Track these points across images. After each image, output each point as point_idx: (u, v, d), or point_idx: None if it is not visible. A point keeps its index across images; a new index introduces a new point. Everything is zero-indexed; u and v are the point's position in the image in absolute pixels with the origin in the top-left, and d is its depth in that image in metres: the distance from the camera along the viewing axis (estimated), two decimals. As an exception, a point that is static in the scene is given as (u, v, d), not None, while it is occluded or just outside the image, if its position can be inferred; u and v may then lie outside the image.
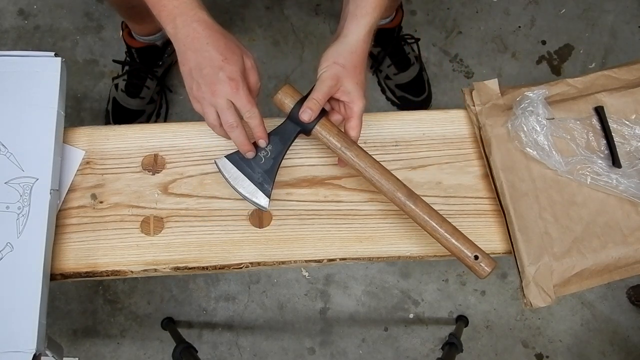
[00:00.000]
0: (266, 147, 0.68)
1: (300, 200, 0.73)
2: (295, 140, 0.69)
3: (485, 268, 0.64)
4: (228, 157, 0.68)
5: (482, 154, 0.75)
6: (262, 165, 0.68)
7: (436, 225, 0.65)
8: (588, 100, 0.76)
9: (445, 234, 0.65)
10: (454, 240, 0.65)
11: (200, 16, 0.63)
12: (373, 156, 0.68)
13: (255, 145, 0.67)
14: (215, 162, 0.69)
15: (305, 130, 0.67)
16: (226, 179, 0.68)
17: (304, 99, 0.66)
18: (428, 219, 0.65)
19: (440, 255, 0.71)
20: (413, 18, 1.51)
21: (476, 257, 0.64)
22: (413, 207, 0.66)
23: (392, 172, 0.68)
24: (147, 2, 0.64)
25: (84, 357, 1.33)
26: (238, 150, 0.67)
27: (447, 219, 0.72)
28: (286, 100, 0.67)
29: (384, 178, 0.66)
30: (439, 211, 0.70)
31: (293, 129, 0.68)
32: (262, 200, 0.67)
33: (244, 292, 1.38)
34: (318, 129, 0.67)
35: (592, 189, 0.73)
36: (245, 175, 0.67)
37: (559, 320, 1.41)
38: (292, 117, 0.67)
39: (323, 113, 0.67)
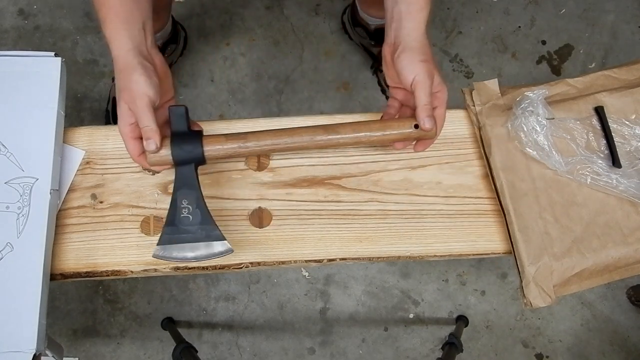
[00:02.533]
0: (183, 204, 0.63)
1: (300, 200, 0.73)
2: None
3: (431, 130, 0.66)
4: (159, 244, 0.63)
5: (482, 154, 0.75)
6: (192, 221, 0.63)
7: (368, 134, 0.66)
8: (588, 100, 0.76)
9: (380, 133, 0.66)
10: (391, 131, 0.65)
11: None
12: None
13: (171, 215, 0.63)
14: (155, 256, 0.63)
15: (199, 160, 0.64)
16: (177, 260, 0.63)
17: (176, 136, 0.63)
18: (357, 135, 0.66)
19: (440, 255, 0.71)
20: (413, 18, 1.51)
21: (416, 126, 0.65)
22: (338, 136, 0.65)
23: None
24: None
25: (84, 357, 1.33)
26: (161, 233, 0.63)
27: (447, 219, 0.73)
28: (159, 154, 0.63)
29: (296, 136, 0.65)
30: (439, 211, 0.70)
31: (188, 169, 0.64)
32: (221, 247, 0.63)
33: (244, 292, 1.38)
34: (208, 148, 0.64)
35: (592, 189, 0.73)
36: (187, 242, 0.63)
37: (559, 320, 1.41)
38: (178, 159, 0.63)
39: (199, 134, 0.65)
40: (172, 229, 0.63)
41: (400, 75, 0.66)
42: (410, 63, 0.65)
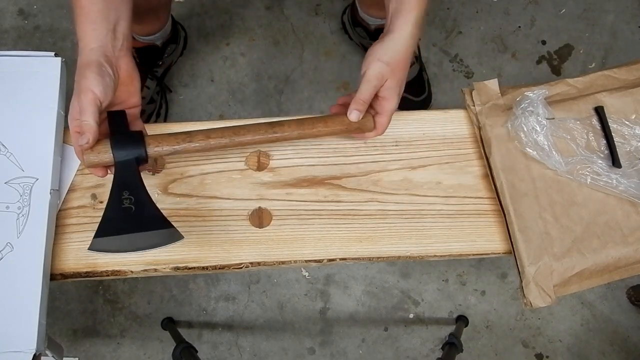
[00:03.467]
0: (124, 195, 0.61)
1: (300, 200, 0.73)
2: (295, 141, 0.69)
3: (367, 122, 0.69)
4: (95, 237, 0.59)
5: (482, 154, 0.75)
6: (135, 211, 0.60)
7: (312, 131, 0.68)
8: (588, 100, 0.76)
9: (324, 128, 0.68)
10: (333, 127, 0.68)
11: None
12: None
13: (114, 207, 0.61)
14: (93, 249, 0.59)
15: (141, 158, 0.63)
16: (116, 252, 0.60)
17: (117, 135, 0.62)
18: (301, 131, 0.67)
19: (440, 255, 0.71)
20: (413, 18, 1.51)
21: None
22: (281, 133, 0.67)
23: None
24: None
25: (84, 357, 1.33)
26: (97, 229, 0.60)
27: (447, 219, 0.73)
28: (99, 153, 0.61)
29: (242, 132, 0.66)
30: (439, 211, 0.70)
31: (129, 166, 0.62)
32: (168, 235, 0.61)
33: (244, 292, 1.38)
34: (151, 146, 0.63)
35: (592, 189, 0.73)
36: (132, 233, 0.60)
37: (559, 320, 1.41)
38: (119, 156, 0.62)
39: (140, 133, 0.64)
40: (110, 221, 0.60)
41: (362, 64, 0.67)
42: (369, 56, 0.66)
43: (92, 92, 0.60)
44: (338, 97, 0.73)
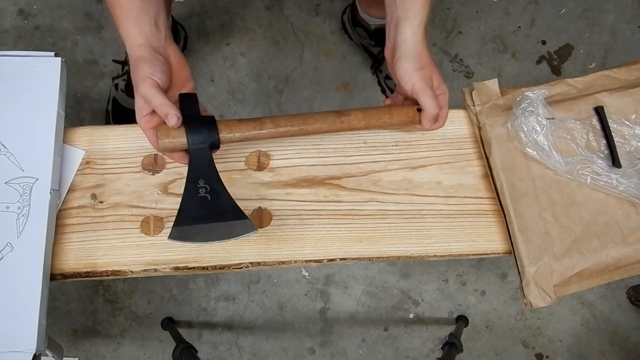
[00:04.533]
0: (200, 184, 0.60)
1: (300, 200, 0.73)
2: (296, 140, 0.69)
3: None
4: (175, 225, 0.58)
5: (482, 154, 0.75)
6: (211, 201, 0.60)
7: (378, 122, 0.69)
8: (588, 100, 0.76)
9: (389, 120, 0.69)
10: (399, 118, 0.69)
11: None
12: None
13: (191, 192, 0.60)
14: (173, 239, 0.58)
15: (215, 144, 0.62)
16: (194, 242, 0.60)
17: (190, 120, 0.62)
18: (368, 121, 0.68)
19: (440, 255, 0.71)
20: (413, 18, 1.51)
21: (419, 110, 0.69)
22: (349, 123, 0.67)
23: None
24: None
25: (84, 357, 1.33)
26: (176, 218, 0.59)
27: (447, 219, 0.73)
28: (173, 138, 0.61)
29: (310, 121, 0.66)
30: (439, 211, 0.70)
31: (203, 153, 0.61)
32: (243, 226, 0.59)
33: (244, 292, 1.38)
34: (224, 132, 0.63)
35: (592, 189, 0.73)
36: (208, 223, 0.59)
37: (559, 320, 1.41)
38: (194, 143, 0.61)
39: (212, 118, 0.63)
40: (189, 210, 0.59)
41: (398, 85, 0.69)
42: (405, 73, 0.67)
43: (150, 79, 0.61)
44: (384, 100, 0.75)
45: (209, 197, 0.60)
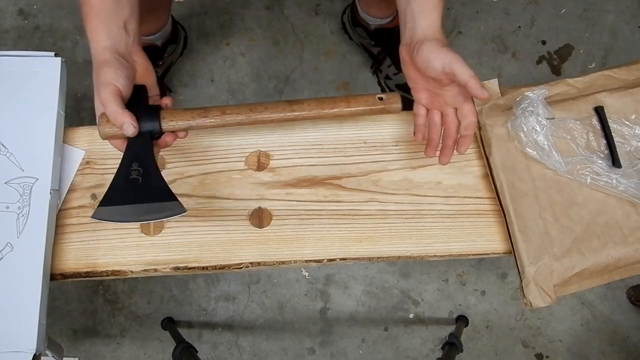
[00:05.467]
0: (133, 167, 0.61)
1: (300, 200, 0.73)
2: (295, 140, 0.68)
3: (394, 103, 0.66)
4: (101, 205, 0.59)
5: (482, 154, 0.75)
6: (141, 184, 0.60)
7: (332, 110, 0.65)
8: (588, 100, 0.76)
9: (345, 108, 0.65)
10: (356, 107, 0.66)
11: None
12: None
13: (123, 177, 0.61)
14: (96, 217, 0.59)
15: (155, 131, 0.63)
16: (118, 221, 0.60)
17: (132, 107, 0.61)
18: (321, 110, 0.65)
19: (440, 255, 0.71)
20: (413, 18, 1.51)
21: (380, 99, 0.66)
22: (300, 112, 0.65)
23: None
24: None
25: (84, 357, 1.33)
26: (102, 198, 0.60)
27: (447, 219, 0.73)
28: (110, 123, 0.61)
29: (259, 109, 0.65)
30: (439, 211, 0.70)
31: (142, 138, 0.62)
32: (172, 207, 0.60)
33: (244, 292, 1.38)
34: (166, 120, 0.63)
35: (592, 189, 0.73)
36: (136, 204, 0.59)
37: (559, 320, 1.41)
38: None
39: (155, 109, 0.63)
40: (116, 191, 0.60)
41: (427, 67, 0.64)
42: (432, 51, 0.64)
43: (112, 85, 0.59)
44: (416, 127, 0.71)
45: (140, 180, 0.60)
